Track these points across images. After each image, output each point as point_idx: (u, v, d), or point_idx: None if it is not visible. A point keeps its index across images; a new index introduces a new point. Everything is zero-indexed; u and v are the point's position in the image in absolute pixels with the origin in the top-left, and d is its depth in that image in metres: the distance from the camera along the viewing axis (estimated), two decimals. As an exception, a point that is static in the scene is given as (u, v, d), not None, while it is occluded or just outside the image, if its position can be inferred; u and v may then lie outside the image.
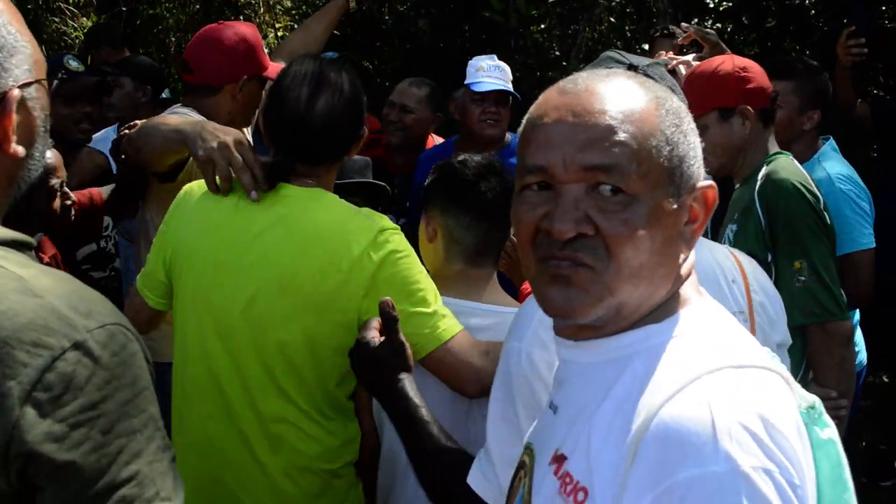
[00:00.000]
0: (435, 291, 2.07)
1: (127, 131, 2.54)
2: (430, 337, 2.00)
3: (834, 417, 1.20)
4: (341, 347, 1.99)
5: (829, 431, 1.10)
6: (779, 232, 2.65)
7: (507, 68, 3.88)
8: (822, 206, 2.69)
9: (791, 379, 1.10)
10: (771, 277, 2.65)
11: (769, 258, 2.67)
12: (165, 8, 9.52)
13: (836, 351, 2.63)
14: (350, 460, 2.16)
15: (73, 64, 3.71)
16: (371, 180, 3.07)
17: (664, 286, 1.13)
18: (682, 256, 1.13)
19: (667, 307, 1.13)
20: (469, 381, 2.01)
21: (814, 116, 3.42)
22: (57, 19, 8.47)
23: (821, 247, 2.64)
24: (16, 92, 1.16)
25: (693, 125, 1.15)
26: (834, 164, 3.37)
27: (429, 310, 2.02)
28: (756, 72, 2.78)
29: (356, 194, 2.74)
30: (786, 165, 2.75)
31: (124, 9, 8.77)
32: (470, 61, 3.84)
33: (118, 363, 1.08)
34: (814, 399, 1.12)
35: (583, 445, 1.06)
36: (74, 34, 8.55)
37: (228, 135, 2.13)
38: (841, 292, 2.68)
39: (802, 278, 2.60)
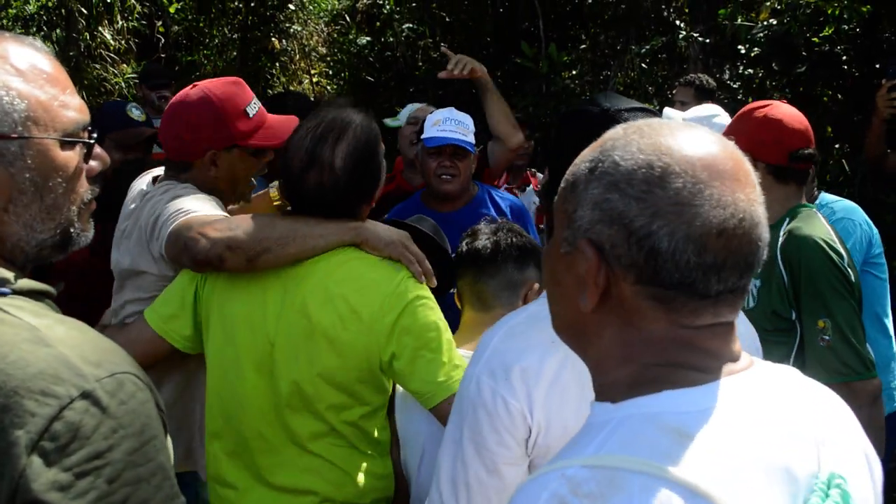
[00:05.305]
0: (451, 342, 2.11)
1: (212, 234, 2.06)
2: (443, 386, 2.04)
3: None
4: (367, 384, 2.09)
5: None
6: (801, 290, 2.59)
7: (468, 120, 3.71)
8: (846, 263, 2.61)
9: None
10: (796, 335, 2.63)
11: (793, 316, 2.63)
12: (204, 55, 9.73)
13: (864, 410, 2.48)
14: (380, 497, 2.18)
15: (136, 113, 3.75)
16: (433, 236, 2.83)
17: (594, 344, 1.10)
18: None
19: (639, 385, 1.06)
20: None
21: None
22: (98, 66, 8.67)
23: (844, 305, 2.56)
24: None
25: (630, 186, 1.02)
26: None
27: (443, 358, 2.06)
28: (785, 127, 2.69)
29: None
30: (809, 220, 2.68)
31: (163, 55, 8.98)
32: (428, 116, 3.76)
33: (126, 412, 1.09)
34: None
35: None
36: (115, 80, 8.74)
37: (399, 232, 2.16)
38: (868, 350, 2.60)
39: (826, 337, 2.54)
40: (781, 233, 2.67)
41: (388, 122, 5.67)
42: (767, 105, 2.78)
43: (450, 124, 3.62)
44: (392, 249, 2.10)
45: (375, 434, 2.16)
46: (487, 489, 1.50)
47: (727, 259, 1.01)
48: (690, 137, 1.06)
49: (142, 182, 2.59)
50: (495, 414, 1.50)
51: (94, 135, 1.32)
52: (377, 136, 2.16)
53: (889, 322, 3.42)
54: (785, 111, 2.75)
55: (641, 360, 1.06)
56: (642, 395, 1.04)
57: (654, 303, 1.04)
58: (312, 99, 8.37)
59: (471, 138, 3.63)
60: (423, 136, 3.65)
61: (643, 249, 1.01)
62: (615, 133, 1.10)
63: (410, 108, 5.32)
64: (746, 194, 1.03)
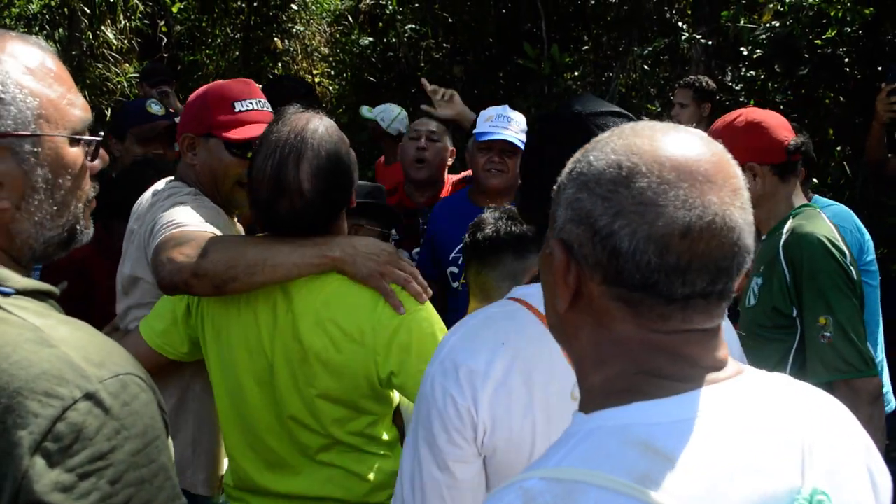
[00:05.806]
0: None
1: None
2: None
3: None
4: (369, 398, 2.07)
5: None
6: (803, 287, 2.60)
7: (520, 118, 3.74)
8: (848, 262, 2.62)
9: None
10: (796, 333, 2.65)
11: (794, 313, 2.63)
12: (206, 55, 9.74)
13: (863, 409, 2.49)
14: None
15: (155, 108, 3.90)
16: (381, 203, 2.95)
17: (573, 345, 1.11)
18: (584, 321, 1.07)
19: (611, 395, 1.04)
20: None
21: None
22: (100, 65, 8.68)
23: (846, 302, 2.57)
24: None
25: (585, 184, 1.04)
26: None
27: None
28: (770, 125, 2.73)
29: (365, 216, 2.82)
30: (812, 219, 2.70)
31: (166, 55, 8.99)
32: (481, 112, 3.79)
33: (129, 413, 1.09)
34: None
35: None
36: (117, 80, 8.75)
37: (381, 254, 2.07)
38: (868, 348, 2.60)
39: (827, 334, 2.54)
40: (784, 231, 2.69)
41: (365, 112, 5.69)
42: (737, 115, 2.81)
43: (502, 121, 3.67)
44: (372, 282, 2.03)
45: (384, 436, 2.15)
46: (440, 487, 1.52)
47: (692, 261, 0.98)
48: (669, 139, 1.03)
49: (159, 183, 2.56)
50: (445, 413, 1.51)
51: (101, 133, 1.33)
52: (338, 139, 2.08)
53: (879, 330, 3.42)
54: (759, 113, 2.81)
55: (614, 365, 1.04)
56: (612, 407, 1.02)
57: (620, 304, 1.02)
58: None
59: (522, 136, 3.66)
60: (474, 131, 3.71)
61: (606, 249, 1.00)
62: (603, 135, 1.09)
63: (389, 110, 5.34)
64: (721, 197, 1.00)
